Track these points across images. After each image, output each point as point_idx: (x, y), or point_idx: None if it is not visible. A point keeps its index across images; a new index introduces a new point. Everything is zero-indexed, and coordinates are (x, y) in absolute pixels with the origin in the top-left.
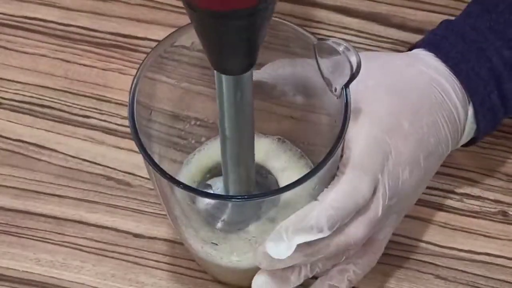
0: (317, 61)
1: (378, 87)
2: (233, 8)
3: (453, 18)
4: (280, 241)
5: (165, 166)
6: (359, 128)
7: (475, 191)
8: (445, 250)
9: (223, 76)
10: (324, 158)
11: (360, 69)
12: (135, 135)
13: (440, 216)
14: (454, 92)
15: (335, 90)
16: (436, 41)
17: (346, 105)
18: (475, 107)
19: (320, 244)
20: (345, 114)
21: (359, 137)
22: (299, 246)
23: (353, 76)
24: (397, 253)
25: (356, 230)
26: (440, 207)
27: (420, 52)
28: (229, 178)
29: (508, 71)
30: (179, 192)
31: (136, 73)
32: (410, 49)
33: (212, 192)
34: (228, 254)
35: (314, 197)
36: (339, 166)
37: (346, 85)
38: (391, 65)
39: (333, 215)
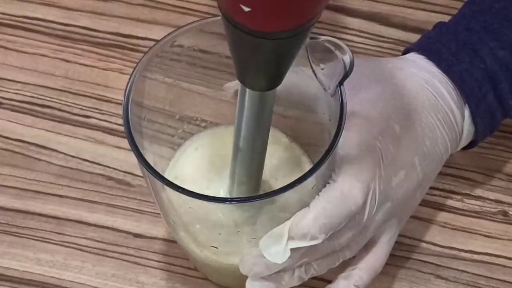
0: (309, 60)
1: (369, 92)
2: (275, 29)
3: (449, 19)
4: (274, 246)
5: (160, 165)
6: (349, 133)
7: (475, 191)
8: (446, 250)
9: (248, 90)
10: (322, 156)
11: (353, 67)
12: (132, 141)
13: (441, 216)
14: (449, 94)
15: (329, 88)
16: (429, 44)
17: (342, 102)
18: (471, 108)
19: (305, 247)
20: (341, 111)
21: (350, 143)
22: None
23: (346, 74)
24: (397, 253)
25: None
26: (441, 207)
27: (413, 55)
28: (235, 182)
29: (503, 71)
30: (177, 196)
31: (132, 73)
32: (403, 53)
33: (212, 195)
34: (228, 257)
35: (313, 194)
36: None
37: (340, 83)
38: (382, 69)
39: (326, 223)
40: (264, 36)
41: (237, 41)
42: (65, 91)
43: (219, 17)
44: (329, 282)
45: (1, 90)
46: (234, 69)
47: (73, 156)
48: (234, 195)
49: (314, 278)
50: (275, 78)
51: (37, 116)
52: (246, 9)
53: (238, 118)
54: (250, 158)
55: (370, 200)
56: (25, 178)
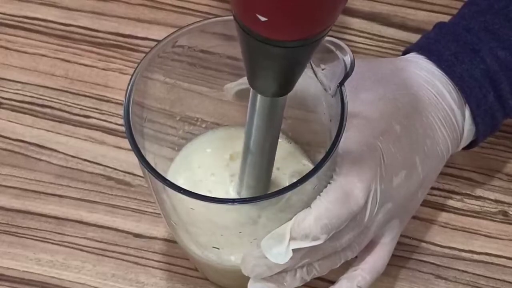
0: (310, 61)
1: (369, 92)
2: (290, 38)
3: (449, 19)
4: (276, 247)
5: (161, 165)
6: (350, 134)
7: (475, 191)
8: (446, 250)
9: (259, 96)
10: (323, 157)
11: (354, 67)
12: (133, 142)
13: (441, 216)
14: (449, 94)
15: (330, 88)
16: (429, 44)
17: (343, 103)
18: (472, 108)
19: (306, 248)
20: (342, 112)
21: (351, 144)
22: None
23: (347, 74)
24: (397, 253)
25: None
26: (441, 207)
27: (413, 56)
28: (244, 185)
29: (503, 71)
30: (178, 197)
31: (133, 73)
32: (404, 53)
33: (214, 196)
34: (230, 258)
35: (315, 195)
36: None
37: (341, 83)
38: (383, 70)
39: (327, 223)
40: (279, 44)
41: (251, 48)
42: (65, 91)
43: (220, 18)
44: (332, 283)
45: (1, 90)
46: (246, 75)
47: (73, 156)
48: (243, 194)
49: (316, 278)
50: (287, 84)
51: (37, 116)
52: (263, 18)
53: (249, 122)
54: (260, 160)
55: (371, 200)
56: (25, 178)
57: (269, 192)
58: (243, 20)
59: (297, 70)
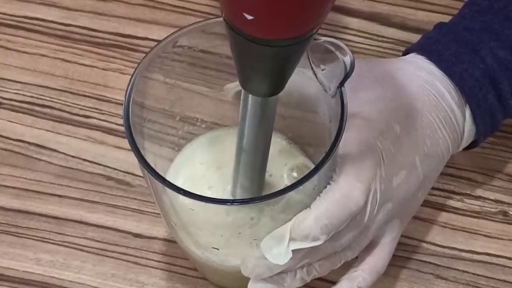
0: (310, 61)
1: (369, 92)
2: (277, 37)
3: (449, 20)
4: (276, 247)
5: (161, 166)
6: (350, 134)
7: (475, 191)
8: (446, 250)
9: (250, 96)
10: (323, 157)
11: (354, 68)
12: (132, 142)
13: (441, 216)
14: (449, 94)
15: (330, 89)
16: (429, 44)
17: (342, 103)
18: (472, 108)
19: (306, 248)
20: (342, 112)
21: (350, 144)
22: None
23: (347, 75)
24: (397, 253)
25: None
26: (441, 207)
27: (413, 56)
28: (238, 185)
29: (503, 70)
30: (178, 197)
31: (133, 73)
32: (404, 54)
33: (213, 197)
34: (229, 259)
35: (314, 195)
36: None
37: (341, 84)
38: (382, 70)
39: (327, 224)
40: (267, 43)
41: (239, 48)
42: (65, 91)
43: (220, 18)
44: (332, 283)
45: (1, 90)
46: (237, 75)
47: (73, 156)
48: (238, 194)
49: (316, 279)
50: (277, 84)
51: (37, 116)
52: (249, 17)
53: (241, 121)
54: (253, 159)
55: (371, 200)
56: (25, 178)
57: (267, 193)
58: (231, 19)
59: (286, 70)
